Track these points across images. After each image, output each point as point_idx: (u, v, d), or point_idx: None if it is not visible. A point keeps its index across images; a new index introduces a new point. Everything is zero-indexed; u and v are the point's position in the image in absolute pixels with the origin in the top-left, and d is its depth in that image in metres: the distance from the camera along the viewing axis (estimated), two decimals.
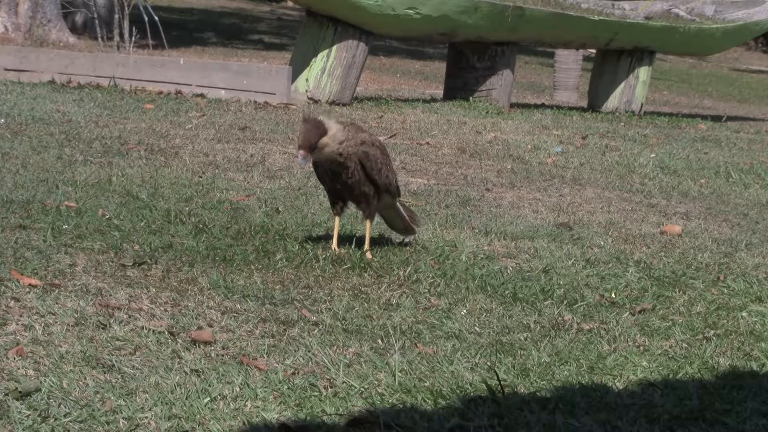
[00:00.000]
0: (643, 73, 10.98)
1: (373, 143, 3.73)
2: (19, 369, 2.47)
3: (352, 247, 3.83)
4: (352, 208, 3.92)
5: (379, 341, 2.90)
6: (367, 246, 3.81)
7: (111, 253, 3.53)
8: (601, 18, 10.26)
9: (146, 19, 11.72)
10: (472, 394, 2.57)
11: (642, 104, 11.03)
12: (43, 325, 2.77)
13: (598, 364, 2.86)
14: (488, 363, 2.79)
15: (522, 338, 3.05)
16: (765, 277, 3.98)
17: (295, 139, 3.53)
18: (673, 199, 5.76)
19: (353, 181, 3.70)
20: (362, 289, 3.41)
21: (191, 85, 8.62)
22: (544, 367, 2.80)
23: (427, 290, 3.46)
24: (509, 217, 4.79)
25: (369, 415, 2.38)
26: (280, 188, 4.98)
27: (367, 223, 3.85)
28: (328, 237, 3.93)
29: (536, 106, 11.04)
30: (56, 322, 2.80)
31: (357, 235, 4.07)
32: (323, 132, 3.54)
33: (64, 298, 2.99)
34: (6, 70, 8.84)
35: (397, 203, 3.95)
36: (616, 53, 10.92)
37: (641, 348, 3.05)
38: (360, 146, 3.66)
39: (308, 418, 2.36)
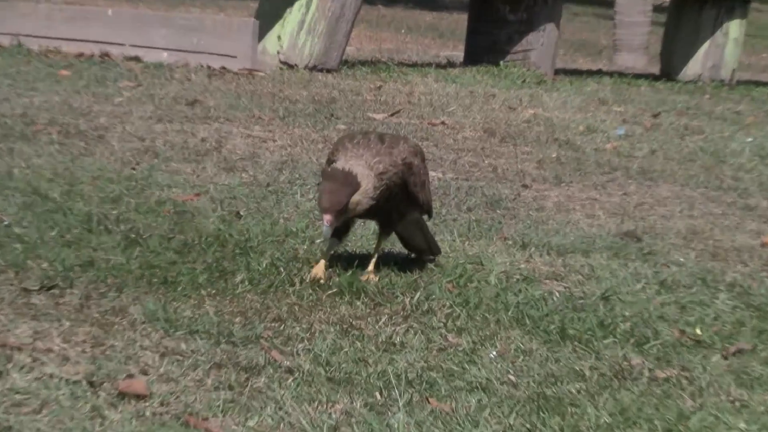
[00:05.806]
0: (735, 28, 11.00)
1: (415, 152, 3.78)
2: None
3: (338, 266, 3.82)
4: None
5: (377, 395, 2.90)
6: (371, 267, 3.82)
7: (10, 272, 3.52)
8: None
9: None
10: None
11: (734, 70, 11.06)
12: None
13: (678, 426, 2.85)
14: (527, 425, 2.78)
15: (574, 390, 3.04)
16: None
17: (317, 200, 3.62)
18: None
19: (389, 205, 3.75)
20: (353, 322, 3.40)
21: (123, 44, 8.64)
22: (605, 429, 2.80)
23: (442, 324, 3.45)
24: (555, 225, 4.80)
25: None
26: (241, 184, 4.98)
27: (381, 238, 3.89)
28: (307, 251, 3.91)
29: (590, 73, 11.07)
30: None
31: (349, 248, 4.05)
32: (356, 188, 3.59)
33: None
34: None
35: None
36: (697, 2, 10.94)
37: (737, 403, 3.05)
38: (401, 166, 3.69)
39: None
